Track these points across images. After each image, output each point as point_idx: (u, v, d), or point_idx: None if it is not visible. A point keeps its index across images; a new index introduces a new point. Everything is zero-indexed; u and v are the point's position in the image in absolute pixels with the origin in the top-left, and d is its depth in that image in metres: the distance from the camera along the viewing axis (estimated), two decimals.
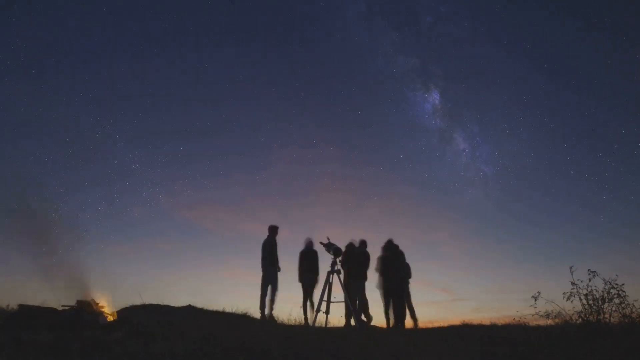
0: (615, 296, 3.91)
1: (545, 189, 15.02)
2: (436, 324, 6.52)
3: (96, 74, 13.41)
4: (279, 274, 6.15)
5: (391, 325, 6.09)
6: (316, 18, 15.16)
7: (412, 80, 15.81)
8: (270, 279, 6.03)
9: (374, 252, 6.56)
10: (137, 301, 5.75)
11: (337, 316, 6.02)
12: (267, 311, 5.88)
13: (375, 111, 16.01)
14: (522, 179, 14.90)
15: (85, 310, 3.77)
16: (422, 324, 6.21)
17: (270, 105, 15.25)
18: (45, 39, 12.34)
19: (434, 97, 15.04)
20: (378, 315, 6.29)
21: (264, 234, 6.35)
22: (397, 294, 6.21)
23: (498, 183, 14.70)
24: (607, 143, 14.04)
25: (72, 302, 3.98)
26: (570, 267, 4.20)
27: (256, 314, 5.91)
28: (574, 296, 4.12)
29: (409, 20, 15.25)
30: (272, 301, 5.95)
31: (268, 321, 5.61)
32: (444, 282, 13.80)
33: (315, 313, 5.84)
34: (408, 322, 6.18)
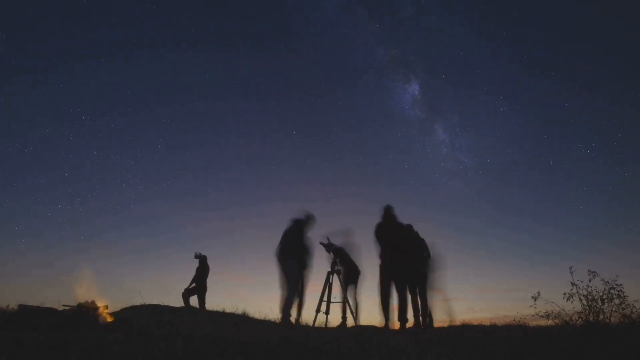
0: (615, 296, 3.91)
1: (525, 180, 14.90)
2: (436, 324, 6.53)
3: (77, 65, 13.37)
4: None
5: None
6: (296, 8, 15.02)
7: (392, 71, 15.62)
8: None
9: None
10: (137, 301, 5.76)
11: (337, 316, 6.03)
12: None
13: (355, 102, 15.84)
14: (501, 170, 14.80)
15: (85, 311, 3.77)
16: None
17: (248, 96, 15.13)
18: (26, 27, 12.30)
19: (414, 88, 14.90)
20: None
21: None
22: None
23: (478, 174, 14.59)
24: (587, 134, 14.01)
25: (72, 302, 3.98)
26: (570, 268, 4.21)
27: (255, 313, 5.91)
28: (574, 296, 4.13)
29: (390, 11, 15.12)
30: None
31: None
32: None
33: (315, 313, 5.84)
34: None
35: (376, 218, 5.30)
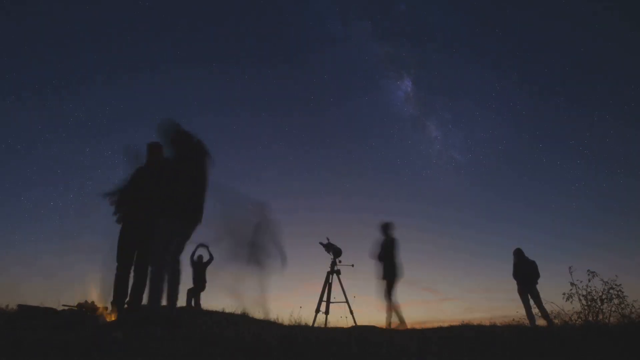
0: (614, 296, 3.93)
1: (518, 178, 14.78)
2: (435, 324, 6.54)
3: (68, 60, 13.22)
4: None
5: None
6: (288, 5, 14.83)
7: (384, 68, 15.45)
8: None
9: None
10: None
11: (336, 316, 6.03)
12: None
13: (348, 99, 15.66)
14: (494, 167, 14.67)
15: (85, 311, 3.77)
16: (416, 324, 6.21)
17: (239, 93, 14.94)
18: (18, 17, 12.14)
19: (407, 85, 14.77)
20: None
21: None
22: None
23: (470, 171, 14.48)
24: (579, 131, 13.95)
25: (72, 302, 3.98)
26: (569, 268, 4.24)
27: (255, 313, 5.91)
28: (573, 296, 4.14)
29: (382, 8, 14.98)
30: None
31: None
32: (426, 280, 13.14)
33: (315, 313, 5.84)
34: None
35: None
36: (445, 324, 6.33)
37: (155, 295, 3.17)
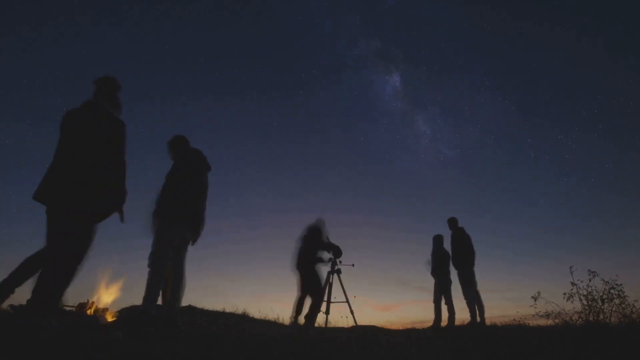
0: (615, 296, 3.92)
1: (507, 172, 14.62)
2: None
3: (65, 63, 13.05)
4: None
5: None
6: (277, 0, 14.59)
7: (373, 63, 15.32)
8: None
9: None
10: (137, 301, 5.75)
11: (337, 316, 6.04)
12: None
13: (336, 94, 15.49)
14: (483, 161, 14.52)
15: (85, 311, 3.77)
16: (416, 324, 6.21)
17: (230, 88, 14.70)
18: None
19: (395, 80, 14.67)
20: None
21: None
22: None
23: (459, 166, 14.35)
24: (568, 125, 13.82)
25: (73, 303, 3.98)
26: (570, 267, 4.22)
27: (255, 313, 5.92)
28: (574, 296, 4.13)
29: (371, 2, 14.83)
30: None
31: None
32: (420, 279, 12.95)
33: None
34: None
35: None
36: (445, 324, 6.34)
37: (150, 296, 3.19)
